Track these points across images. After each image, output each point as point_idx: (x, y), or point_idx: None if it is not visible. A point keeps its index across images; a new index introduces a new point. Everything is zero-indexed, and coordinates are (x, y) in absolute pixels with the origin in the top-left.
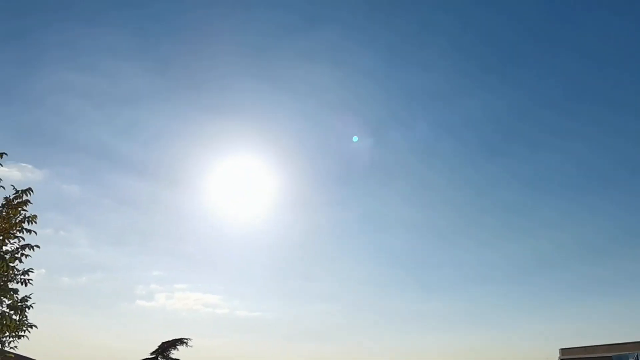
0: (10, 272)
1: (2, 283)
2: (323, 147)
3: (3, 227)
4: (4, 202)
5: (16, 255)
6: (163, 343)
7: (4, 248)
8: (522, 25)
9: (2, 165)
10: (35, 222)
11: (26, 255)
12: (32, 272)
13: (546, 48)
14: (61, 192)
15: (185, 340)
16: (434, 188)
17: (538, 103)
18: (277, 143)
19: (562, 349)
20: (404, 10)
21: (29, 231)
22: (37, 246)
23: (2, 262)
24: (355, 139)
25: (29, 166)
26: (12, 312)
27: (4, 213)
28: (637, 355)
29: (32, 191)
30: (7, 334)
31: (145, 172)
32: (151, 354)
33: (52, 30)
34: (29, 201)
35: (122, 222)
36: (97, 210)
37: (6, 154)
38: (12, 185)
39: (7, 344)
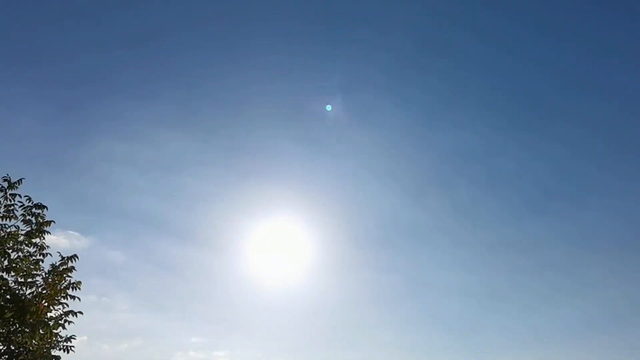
0: (54, 338)
1: (45, 350)
2: (361, 210)
3: (49, 293)
4: (50, 269)
5: (60, 322)
6: None
7: (49, 315)
8: (557, 77)
9: (50, 234)
10: (80, 289)
11: (69, 322)
12: (74, 339)
13: (584, 99)
14: (105, 258)
15: None
16: (475, 250)
17: (579, 158)
18: (315, 205)
19: None
20: (435, 70)
21: (73, 297)
22: (81, 312)
23: (47, 329)
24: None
25: (76, 234)
26: None
27: (50, 280)
28: None
29: (77, 257)
30: None
31: (186, 237)
32: None
33: (101, 103)
34: (73, 268)
35: (162, 287)
36: (139, 276)
37: (54, 222)
38: (59, 252)
39: None
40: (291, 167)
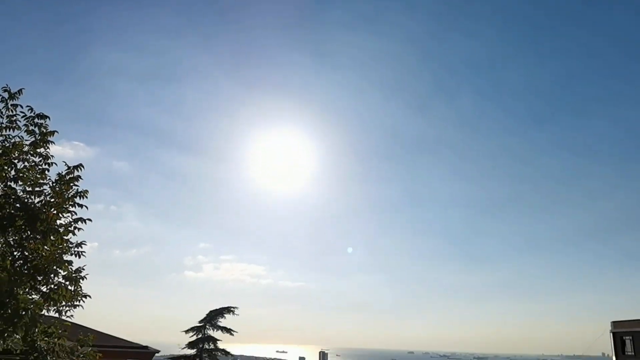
0: (65, 244)
1: (57, 255)
2: (365, 121)
3: (57, 201)
4: (57, 178)
5: (69, 228)
6: (211, 311)
7: (58, 222)
8: None
9: (54, 143)
10: (87, 197)
11: (79, 229)
12: (85, 244)
13: (595, 6)
14: (112, 169)
15: (232, 309)
16: (479, 160)
17: (586, 68)
18: (320, 116)
19: (613, 322)
20: None
21: (81, 206)
22: (89, 219)
23: (57, 236)
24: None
25: (81, 144)
26: (67, 282)
27: (57, 188)
28: None
29: (83, 167)
30: (64, 303)
31: (190, 148)
32: (199, 321)
33: (100, 14)
34: (80, 177)
35: (168, 197)
36: (145, 186)
37: (57, 132)
38: (64, 162)
39: (63, 313)
40: (295, 77)
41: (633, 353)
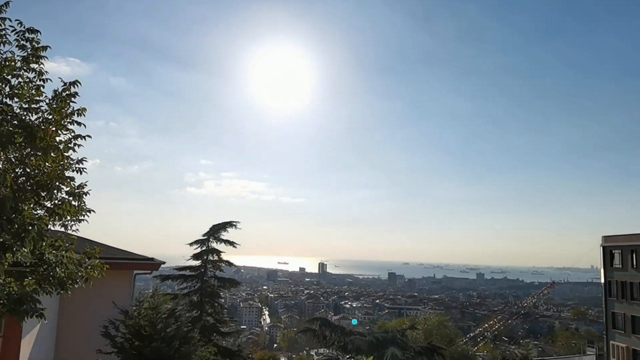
0: (66, 161)
1: (59, 171)
2: (367, 34)
3: (55, 119)
4: (53, 95)
5: (69, 145)
6: (214, 225)
7: (57, 139)
8: None
9: (47, 59)
10: (85, 115)
11: (79, 145)
12: (86, 161)
13: None
14: (109, 85)
15: (234, 223)
16: (484, 74)
17: None
18: (319, 29)
19: (604, 236)
20: None
21: (79, 124)
22: (89, 136)
23: (57, 152)
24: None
25: (77, 60)
26: (71, 198)
27: (54, 105)
28: None
29: (80, 83)
30: (69, 218)
31: (187, 62)
32: (203, 235)
33: None
34: (77, 93)
35: (168, 113)
36: (144, 101)
37: (50, 47)
38: (60, 78)
39: (69, 227)
40: None
41: (620, 265)
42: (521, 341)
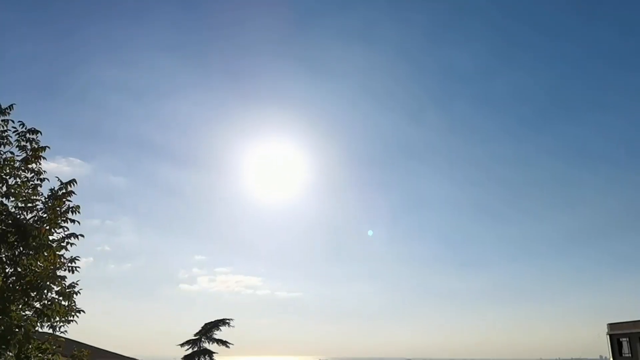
0: (58, 260)
1: (50, 271)
2: (360, 129)
3: (49, 217)
4: (49, 194)
5: (62, 244)
6: (206, 324)
7: (51, 237)
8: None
9: (46, 159)
10: (79, 212)
11: (72, 244)
12: (78, 259)
13: (583, 20)
14: (109, 184)
15: (227, 321)
16: (475, 164)
17: (573, 77)
18: (313, 126)
19: (609, 324)
20: None
21: (73, 221)
22: (82, 235)
23: (50, 251)
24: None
25: (78, 160)
26: (61, 298)
27: (50, 204)
28: None
29: (76, 182)
30: (58, 319)
31: (185, 161)
32: (195, 335)
33: (95, 30)
34: (73, 192)
35: (164, 210)
36: (141, 200)
37: (49, 147)
38: (57, 177)
39: (57, 329)
40: (290, 89)
41: (630, 354)
42: None
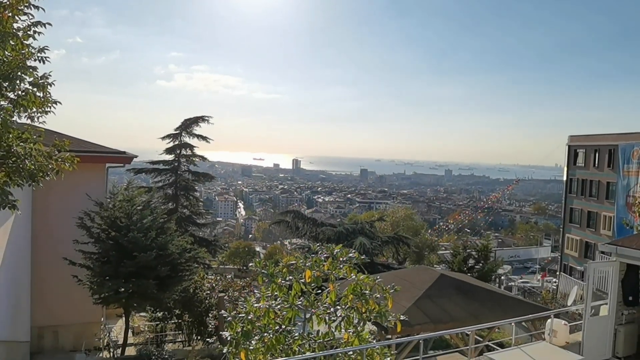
0: (27, 49)
1: (20, 60)
2: None
3: (10, 3)
4: None
5: (28, 32)
6: (186, 120)
7: (15, 25)
8: None
9: None
10: None
11: (39, 33)
12: (48, 49)
13: None
14: None
15: (206, 118)
16: None
17: None
18: None
19: (571, 136)
20: None
21: (37, 7)
22: (49, 24)
23: (17, 40)
24: None
25: None
26: (35, 89)
27: None
28: None
29: None
30: (35, 109)
31: None
32: (175, 129)
33: None
34: None
35: (138, 2)
36: None
37: None
38: None
39: (36, 119)
40: None
41: (583, 164)
42: (483, 232)
